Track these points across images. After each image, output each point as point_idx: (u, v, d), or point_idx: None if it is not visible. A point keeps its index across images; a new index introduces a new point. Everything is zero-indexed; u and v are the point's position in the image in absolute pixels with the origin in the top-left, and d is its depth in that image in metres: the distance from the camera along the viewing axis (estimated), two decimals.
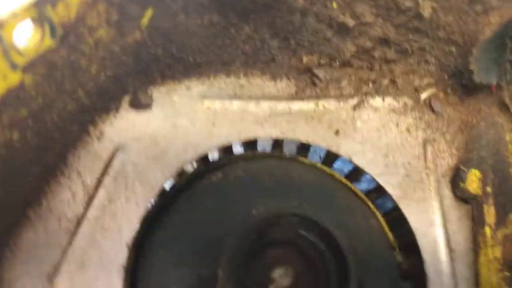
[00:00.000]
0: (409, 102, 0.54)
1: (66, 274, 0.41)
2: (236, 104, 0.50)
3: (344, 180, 0.55)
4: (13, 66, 0.33)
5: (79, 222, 0.43)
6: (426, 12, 0.46)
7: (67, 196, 0.44)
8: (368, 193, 0.56)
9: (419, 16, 0.47)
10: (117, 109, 0.46)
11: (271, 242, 0.48)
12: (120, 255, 0.43)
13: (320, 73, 0.52)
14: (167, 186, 0.49)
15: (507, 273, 0.46)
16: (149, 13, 0.41)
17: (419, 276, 0.48)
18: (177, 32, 0.44)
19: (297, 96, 0.52)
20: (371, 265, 0.49)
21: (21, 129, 0.37)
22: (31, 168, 0.41)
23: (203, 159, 0.52)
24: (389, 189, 0.50)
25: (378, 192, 0.55)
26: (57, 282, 0.41)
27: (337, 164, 0.58)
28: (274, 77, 0.52)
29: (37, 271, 0.41)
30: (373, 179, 0.52)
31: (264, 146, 0.58)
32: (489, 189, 0.49)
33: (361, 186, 0.57)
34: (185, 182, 0.51)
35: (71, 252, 0.42)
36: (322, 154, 0.59)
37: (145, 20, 0.41)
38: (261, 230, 0.46)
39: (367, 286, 0.47)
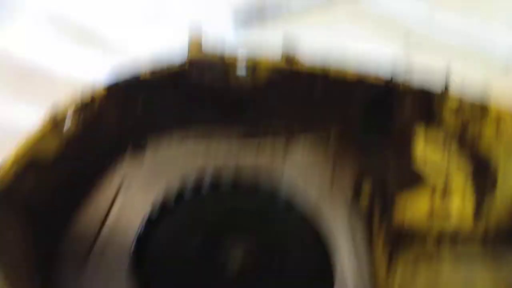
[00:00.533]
0: (324, 137, 0.78)
1: (95, 255, 0.67)
2: (203, 144, 0.77)
3: (282, 200, 0.77)
4: (63, 136, 0.60)
5: (101, 226, 0.70)
6: None
7: (93, 211, 0.70)
8: (301, 211, 0.77)
9: None
10: (123, 152, 0.74)
11: (226, 239, 0.73)
12: (128, 245, 0.69)
13: (261, 118, 0.78)
14: (156, 207, 0.74)
15: (387, 246, 0.70)
16: None
17: None
18: None
19: (246, 135, 0.78)
20: (297, 251, 0.73)
21: (66, 174, 0.64)
22: (70, 196, 0.67)
23: (181, 187, 0.75)
24: (307, 199, 0.75)
25: (308, 209, 0.76)
26: (90, 259, 0.67)
27: (281, 191, 0.80)
28: (231, 123, 0.77)
29: (77, 255, 0.67)
30: (305, 202, 0.75)
31: (226, 178, 0.78)
32: (375, 197, 0.73)
33: (296, 205, 0.79)
34: (169, 205, 0.75)
35: (98, 243, 0.68)
36: (270, 184, 0.78)
37: None
38: (218, 230, 0.72)
39: (293, 263, 0.72)
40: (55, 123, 0.59)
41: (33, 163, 0.57)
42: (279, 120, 0.79)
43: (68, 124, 0.60)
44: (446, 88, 0.67)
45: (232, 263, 0.73)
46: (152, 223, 0.75)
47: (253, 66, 0.68)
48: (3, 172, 0.55)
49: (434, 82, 0.69)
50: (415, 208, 0.71)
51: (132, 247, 0.71)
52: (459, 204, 0.69)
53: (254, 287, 0.71)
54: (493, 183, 0.65)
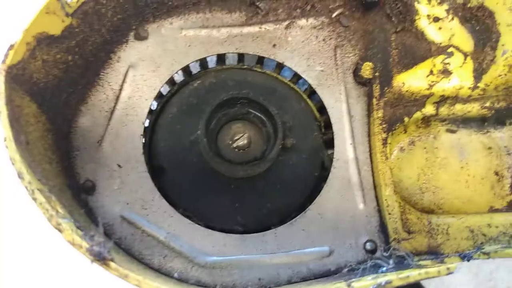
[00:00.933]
0: (325, 20, 0.78)
1: (107, 140, 0.71)
2: (204, 32, 0.76)
3: (286, 80, 0.82)
4: (66, 14, 0.60)
5: (112, 111, 0.72)
6: None
7: (103, 97, 0.72)
8: (304, 91, 0.83)
9: None
10: (126, 40, 0.74)
11: (231, 117, 0.76)
12: (139, 129, 0.72)
13: (261, 5, 0.77)
14: (163, 90, 0.77)
15: (384, 125, 0.74)
16: None
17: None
18: None
19: (246, 23, 0.78)
20: (299, 131, 0.77)
21: (72, 54, 0.65)
22: (79, 80, 0.69)
23: (186, 70, 0.79)
24: (310, 80, 0.77)
25: (310, 89, 0.80)
26: (103, 145, 0.70)
27: (284, 72, 0.84)
28: (229, 11, 0.78)
29: (90, 141, 0.70)
30: (308, 83, 0.78)
31: (231, 60, 0.84)
32: (377, 74, 0.75)
33: (299, 86, 0.83)
34: (176, 88, 0.79)
35: (109, 128, 0.71)
36: (273, 65, 0.84)
37: None
38: (224, 108, 0.74)
39: (295, 144, 0.76)
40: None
41: (42, 38, 0.57)
42: (278, 4, 0.78)
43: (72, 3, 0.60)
44: None
45: (239, 139, 0.78)
46: (163, 99, 0.77)
47: None
48: (15, 51, 0.55)
49: None
50: (415, 74, 0.73)
51: (145, 121, 0.73)
52: (460, 65, 0.71)
53: (259, 162, 0.74)
54: (496, 40, 0.67)
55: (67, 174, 0.65)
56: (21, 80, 0.56)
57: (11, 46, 0.53)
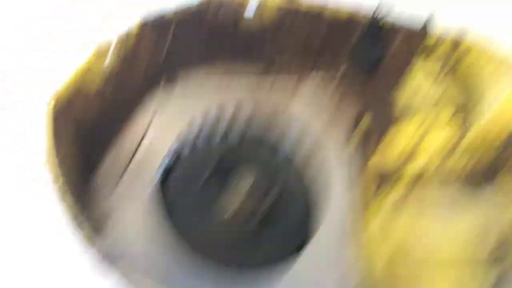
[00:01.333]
0: (333, 74, 0.85)
1: (127, 178, 0.78)
2: (225, 78, 0.87)
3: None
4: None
5: (135, 152, 0.80)
6: None
7: (128, 138, 0.81)
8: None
9: None
10: (155, 85, 0.84)
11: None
12: (157, 171, 0.80)
13: (276, 57, 0.84)
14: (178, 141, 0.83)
15: (375, 179, 0.74)
16: None
17: None
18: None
19: (263, 73, 0.86)
20: (293, 179, 0.80)
21: (108, 97, 0.75)
22: (111, 120, 0.79)
23: (205, 115, 0.85)
24: (313, 130, 0.86)
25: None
26: (122, 182, 0.78)
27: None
28: (250, 61, 0.85)
29: (110, 177, 0.77)
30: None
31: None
32: (374, 127, 0.79)
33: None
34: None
35: (130, 168, 0.79)
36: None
37: None
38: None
39: (288, 191, 0.78)
40: (99, 56, 0.72)
41: (80, 91, 0.69)
42: (292, 58, 0.87)
43: (109, 58, 0.74)
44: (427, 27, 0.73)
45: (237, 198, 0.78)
46: (176, 155, 0.84)
47: (260, 7, 0.78)
48: (59, 94, 0.66)
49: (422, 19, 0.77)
50: (407, 128, 0.80)
51: (158, 176, 0.80)
52: (449, 119, 0.77)
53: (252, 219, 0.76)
54: (481, 96, 0.73)
55: (86, 205, 0.73)
56: (64, 115, 0.67)
57: (60, 86, 0.66)
